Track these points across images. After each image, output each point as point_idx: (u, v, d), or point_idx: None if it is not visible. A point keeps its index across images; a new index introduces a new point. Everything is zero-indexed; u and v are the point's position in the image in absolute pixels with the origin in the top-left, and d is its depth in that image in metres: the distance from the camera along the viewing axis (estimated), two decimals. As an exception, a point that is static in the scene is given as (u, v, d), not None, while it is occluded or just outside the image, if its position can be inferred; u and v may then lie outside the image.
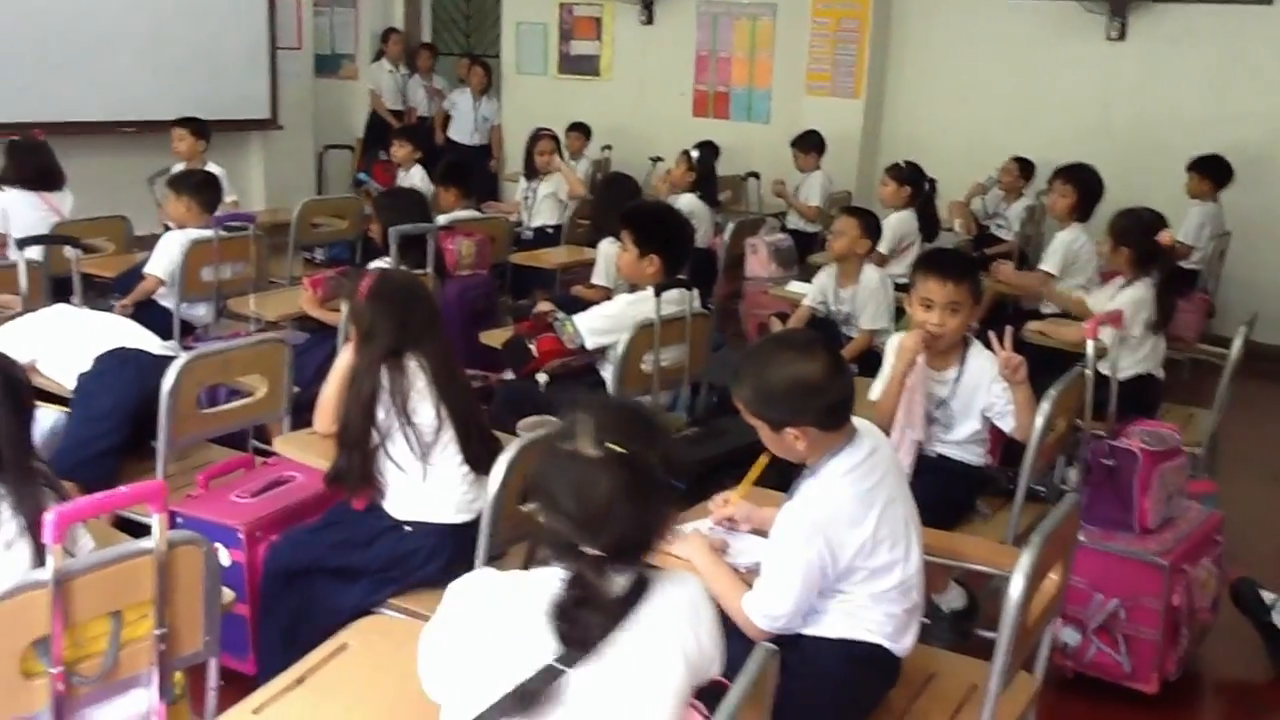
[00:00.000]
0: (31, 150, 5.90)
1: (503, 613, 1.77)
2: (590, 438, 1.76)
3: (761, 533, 2.71)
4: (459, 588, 1.83)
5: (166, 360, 3.35)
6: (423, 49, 10.70)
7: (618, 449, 1.74)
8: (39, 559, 2.12)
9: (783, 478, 2.73)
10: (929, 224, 6.43)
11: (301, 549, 2.99)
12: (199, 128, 6.73)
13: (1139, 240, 4.55)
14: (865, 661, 2.40)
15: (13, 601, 1.87)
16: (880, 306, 4.91)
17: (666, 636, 1.78)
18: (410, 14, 11.24)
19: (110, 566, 2.00)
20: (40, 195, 5.75)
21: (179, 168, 6.68)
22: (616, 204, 5.12)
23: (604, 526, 1.72)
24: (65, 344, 3.72)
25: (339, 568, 2.93)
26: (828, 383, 2.34)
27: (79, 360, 3.65)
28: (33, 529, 2.13)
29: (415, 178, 7.46)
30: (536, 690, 1.69)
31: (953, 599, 3.43)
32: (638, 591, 1.77)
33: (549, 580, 1.75)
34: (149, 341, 3.80)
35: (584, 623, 1.71)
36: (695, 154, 7.00)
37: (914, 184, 6.41)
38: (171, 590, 2.07)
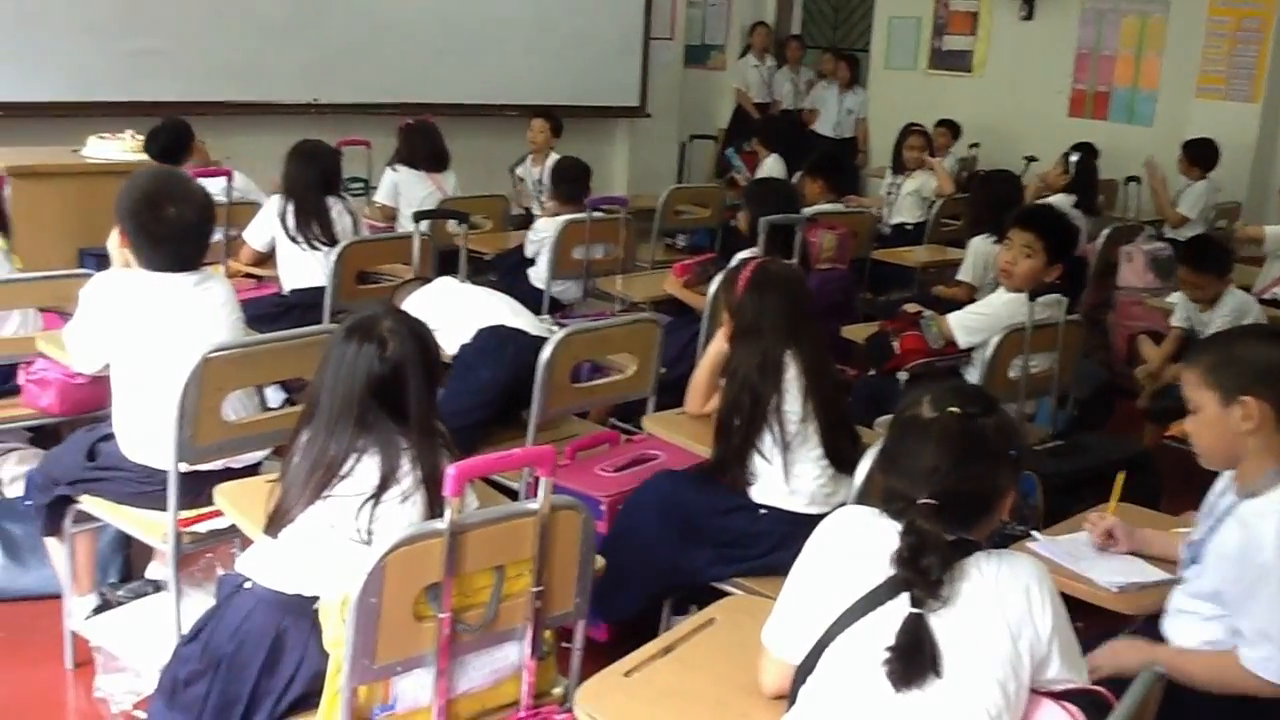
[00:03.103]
0: (424, 133, 6.30)
1: (851, 558, 1.87)
2: (929, 404, 1.88)
3: (1138, 554, 2.61)
4: (823, 527, 1.96)
5: (542, 340, 3.49)
6: (791, 41, 10.74)
7: (952, 410, 1.85)
8: (430, 512, 2.26)
9: (1147, 495, 2.61)
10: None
11: (669, 493, 3.06)
12: (556, 122, 7.00)
13: None
14: None
15: (412, 548, 2.00)
16: None
17: (996, 603, 1.79)
18: (781, 6, 11.30)
19: (498, 523, 2.11)
20: (428, 175, 6.14)
21: (530, 158, 6.99)
22: (998, 202, 4.98)
23: (934, 477, 1.80)
24: (452, 315, 3.92)
25: (691, 528, 2.99)
26: None
27: (462, 332, 3.84)
28: (429, 484, 2.27)
29: (768, 167, 7.49)
30: (913, 642, 1.75)
31: None
32: (970, 548, 1.82)
33: (890, 534, 1.83)
34: (527, 320, 3.96)
35: (923, 566, 1.77)
36: (1074, 158, 6.70)
37: None
38: (549, 551, 2.16)
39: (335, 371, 2.25)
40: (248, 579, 2.34)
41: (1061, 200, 6.38)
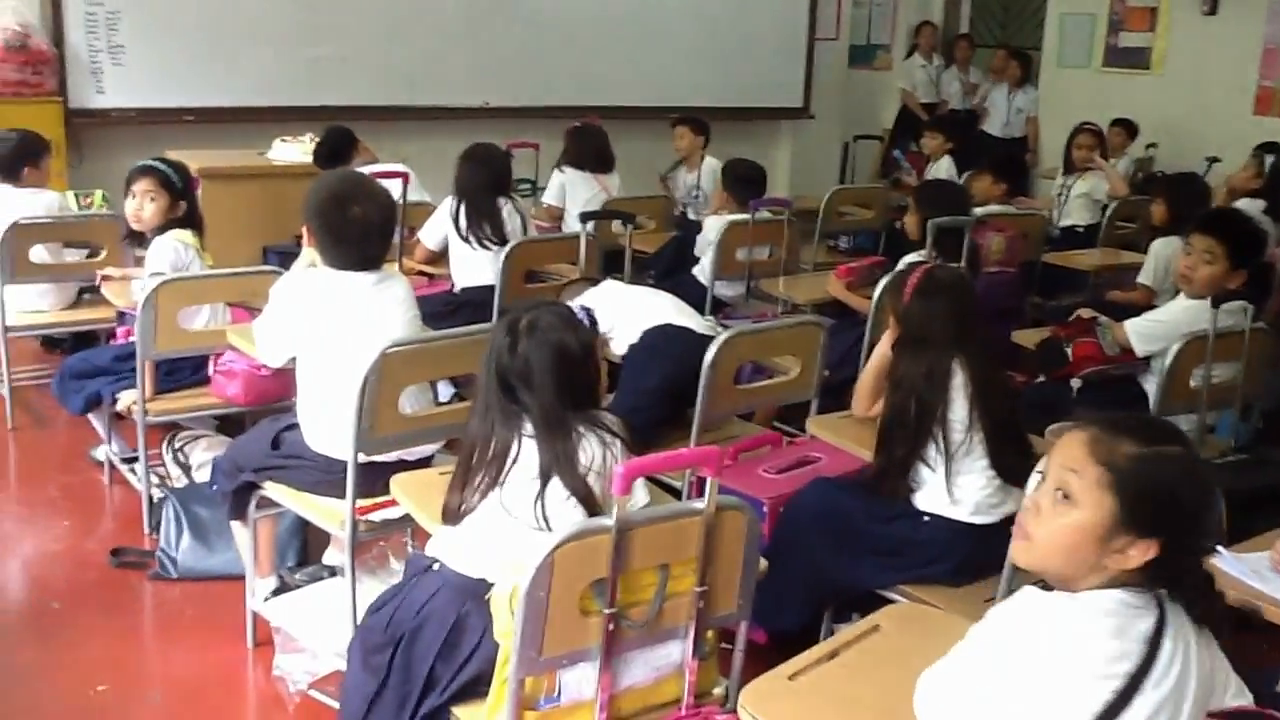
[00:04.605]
0: (591, 135, 6.39)
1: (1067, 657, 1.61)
2: (1170, 442, 1.63)
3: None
4: (1003, 614, 1.70)
5: (707, 339, 3.50)
6: (960, 40, 10.52)
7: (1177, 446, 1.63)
8: (590, 508, 2.30)
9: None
10: None
11: (828, 501, 3.04)
12: (699, 126, 6.92)
13: None
14: None
15: (580, 543, 2.03)
16: None
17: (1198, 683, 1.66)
18: (949, 5, 11.10)
19: (664, 522, 2.13)
20: (595, 176, 6.22)
21: (683, 165, 6.96)
22: (1184, 204, 4.82)
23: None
24: (619, 317, 3.95)
25: (851, 535, 2.96)
26: None
27: (629, 332, 3.88)
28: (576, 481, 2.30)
29: (943, 169, 7.37)
30: None
31: None
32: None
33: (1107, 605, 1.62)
34: (693, 319, 3.99)
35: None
36: (1270, 159, 6.40)
37: None
38: (714, 551, 2.17)
39: (488, 365, 2.35)
40: (436, 560, 2.43)
41: (1249, 204, 6.13)
